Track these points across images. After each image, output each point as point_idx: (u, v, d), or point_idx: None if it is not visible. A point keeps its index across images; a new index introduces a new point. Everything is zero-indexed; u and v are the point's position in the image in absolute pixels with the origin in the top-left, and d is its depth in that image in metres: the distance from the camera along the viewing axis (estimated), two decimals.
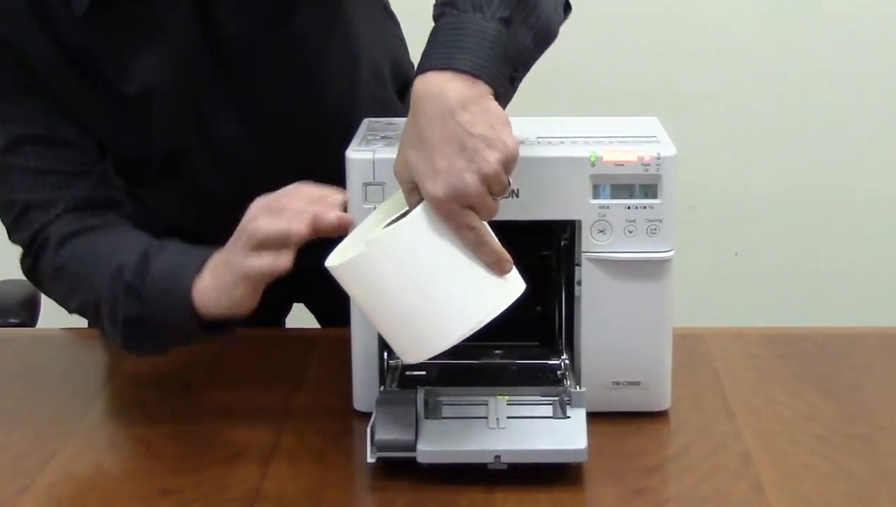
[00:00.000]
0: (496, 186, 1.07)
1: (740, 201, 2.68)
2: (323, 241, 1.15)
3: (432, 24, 1.13)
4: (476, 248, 1.07)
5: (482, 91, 1.08)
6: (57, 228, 1.32)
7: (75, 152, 1.35)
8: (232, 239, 1.18)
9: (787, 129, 2.67)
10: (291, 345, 1.48)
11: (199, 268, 1.20)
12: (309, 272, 1.17)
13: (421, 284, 1.07)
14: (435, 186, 1.05)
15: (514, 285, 1.10)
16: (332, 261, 1.11)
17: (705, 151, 2.63)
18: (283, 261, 1.13)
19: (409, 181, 1.09)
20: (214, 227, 1.24)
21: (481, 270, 1.08)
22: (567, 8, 1.25)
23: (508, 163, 1.07)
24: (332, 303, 1.27)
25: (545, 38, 1.15)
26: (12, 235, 1.36)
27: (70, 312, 1.36)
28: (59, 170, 1.34)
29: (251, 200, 1.18)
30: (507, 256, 1.09)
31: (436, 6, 1.15)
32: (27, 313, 1.80)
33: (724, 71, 2.64)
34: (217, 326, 1.22)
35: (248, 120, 1.40)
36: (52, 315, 1.74)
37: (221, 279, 1.18)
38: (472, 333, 1.08)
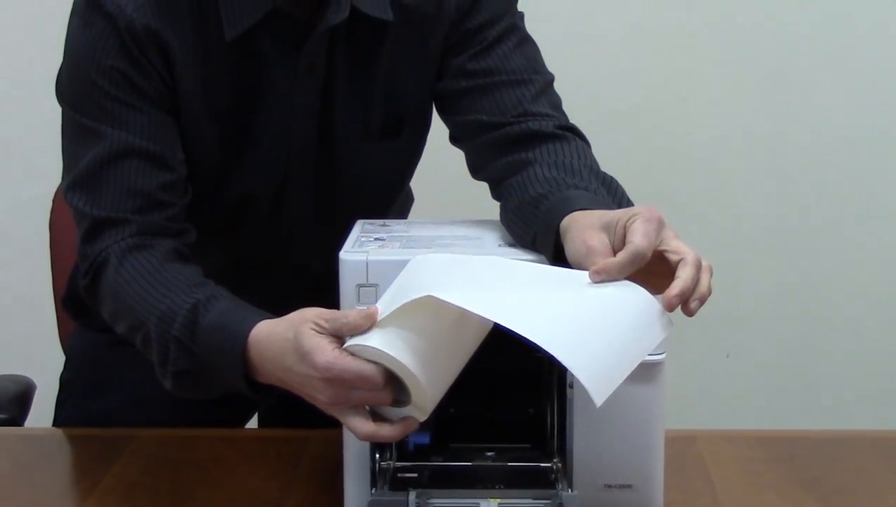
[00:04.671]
0: None
1: (732, 304, 2.68)
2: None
3: None
4: None
5: None
6: (119, 247, 1.35)
7: (171, 178, 1.39)
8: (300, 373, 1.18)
9: (777, 232, 2.68)
10: (283, 446, 1.47)
11: (250, 328, 1.23)
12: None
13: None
14: None
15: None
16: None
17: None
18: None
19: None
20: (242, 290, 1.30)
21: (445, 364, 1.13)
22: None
23: None
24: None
25: None
26: (81, 247, 1.39)
27: (119, 333, 1.37)
28: (149, 193, 1.37)
29: (285, 276, 1.25)
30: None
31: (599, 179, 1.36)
32: (17, 409, 1.79)
33: (715, 174, 2.66)
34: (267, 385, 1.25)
35: (321, 197, 1.49)
36: (42, 413, 1.74)
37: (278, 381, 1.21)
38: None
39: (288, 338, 1.18)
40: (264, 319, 1.24)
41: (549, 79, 1.48)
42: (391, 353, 1.11)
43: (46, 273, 1.90)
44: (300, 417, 1.43)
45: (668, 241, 1.16)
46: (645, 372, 1.24)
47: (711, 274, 1.15)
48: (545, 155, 1.39)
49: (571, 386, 1.25)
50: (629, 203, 1.34)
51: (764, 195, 2.67)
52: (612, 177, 1.37)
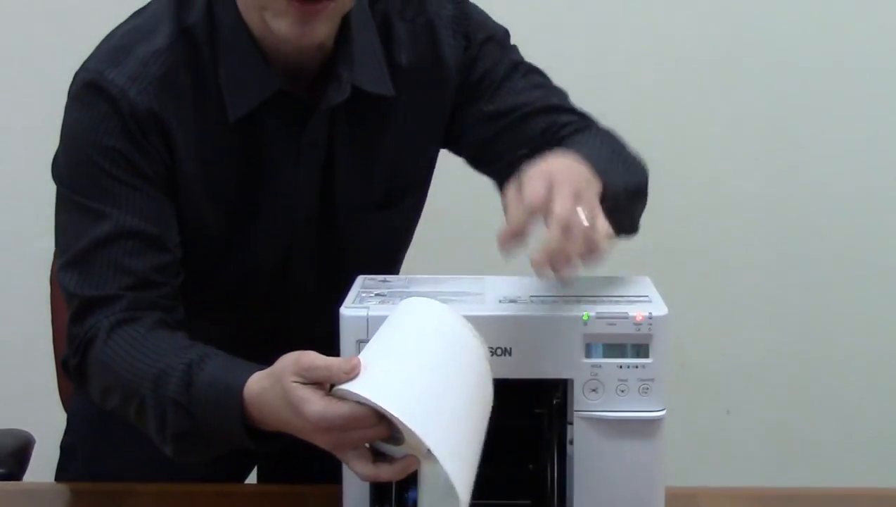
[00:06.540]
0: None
1: (732, 360, 2.68)
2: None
3: None
4: None
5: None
6: (108, 322, 1.34)
7: (166, 260, 1.38)
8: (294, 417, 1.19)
9: (778, 289, 2.69)
10: (282, 501, 1.47)
11: (245, 382, 1.23)
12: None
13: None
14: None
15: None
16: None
17: (697, 310, 2.64)
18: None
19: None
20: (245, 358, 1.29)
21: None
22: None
23: None
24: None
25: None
26: (70, 327, 1.38)
27: (108, 409, 1.37)
28: (142, 272, 1.36)
29: (289, 340, 1.24)
30: None
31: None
32: (16, 464, 1.79)
33: (716, 230, 2.67)
34: (269, 435, 1.24)
35: (325, 268, 1.49)
36: (41, 467, 1.74)
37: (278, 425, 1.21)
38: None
39: (277, 393, 1.19)
40: (256, 370, 1.24)
41: (565, 93, 1.52)
42: (373, 399, 1.12)
43: (46, 327, 1.90)
44: (300, 472, 1.42)
45: (554, 199, 1.17)
46: (644, 428, 1.24)
47: (585, 227, 1.16)
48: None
49: (572, 442, 1.25)
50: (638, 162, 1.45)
51: (764, 251, 2.67)
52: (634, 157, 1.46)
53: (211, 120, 1.39)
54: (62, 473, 1.65)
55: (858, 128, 2.61)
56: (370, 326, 1.22)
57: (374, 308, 1.24)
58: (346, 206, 1.47)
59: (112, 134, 1.36)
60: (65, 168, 1.41)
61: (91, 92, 1.37)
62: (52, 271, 1.88)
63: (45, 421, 1.81)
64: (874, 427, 2.71)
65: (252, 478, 1.74)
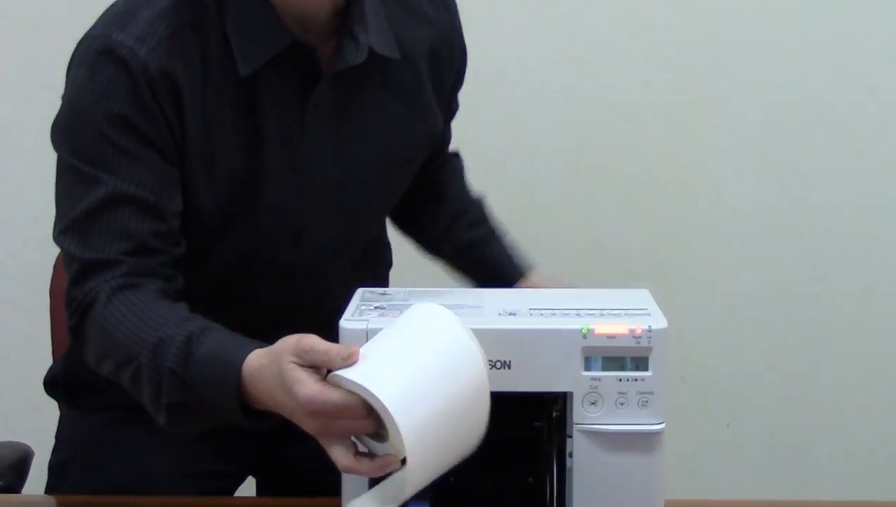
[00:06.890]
0: None
1: (731, 372, 2.68)
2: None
3: None
4: None
5: None
6: (109, 286, 1.34)
7: (164, 228, 1.38)
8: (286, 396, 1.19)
9: (777, 301, 2.69)
10: None
11: (244, 358, 1.23)
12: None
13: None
14: None
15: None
16: None
17: (696, 323, 2.64)
18: None
19: None
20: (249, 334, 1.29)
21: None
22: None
23: None
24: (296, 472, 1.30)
25: None
26: (70, 289, 1.37)
27: (104, 374, 1.36)
28: (141, 237, 1.36)
29: (290, 319, 1.26)
30: None
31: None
32: (15, 477, 1.78)
33: (715, 242, 2.67)
34: (263, 413, 1.24)
35: (343, 229, 1.50)
36: (40, 480, 1.73)
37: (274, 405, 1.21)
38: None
39: (274, 372, 1.19)
40: (256, 347, 1.24)
41: None
42: (363, 383, 1.13)
43: (46, 339, 1.90)
44: (299, 484, 1.42)
45: None
46: (644, 441, 1.24)
47: None
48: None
49: (571, 455, 1.25)
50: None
51: (764, 263, 2.67)
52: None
53: (216, 81, 1.38)
54: (53, 493, 1.64)
55: (860, 137, 2.61)
56: (369, 338, 1.22)
57: (374, 321, 1.24)
58: (373, 164, 1.47)
59: (118, 99, 1.35)
60: (67, 134, 1.39)
61: (99, 56, 1.36)
62: (51, 282, 1.88)
63: (44, 434, 1.80)
64: (874, 440, 2.70)
65: (251, 491, 1.74)
